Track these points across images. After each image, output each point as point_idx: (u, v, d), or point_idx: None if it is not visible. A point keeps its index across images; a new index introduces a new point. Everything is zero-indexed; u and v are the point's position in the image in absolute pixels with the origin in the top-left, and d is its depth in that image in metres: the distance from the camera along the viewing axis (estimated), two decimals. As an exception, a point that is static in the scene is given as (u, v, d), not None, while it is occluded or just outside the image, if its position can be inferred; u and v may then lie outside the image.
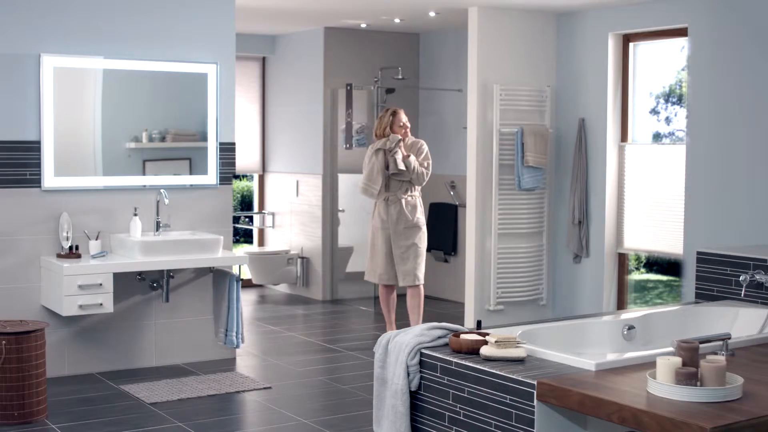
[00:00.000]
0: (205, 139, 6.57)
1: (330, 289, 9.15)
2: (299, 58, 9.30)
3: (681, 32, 6.99)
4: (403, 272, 6.93)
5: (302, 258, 9.30)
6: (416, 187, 6.94)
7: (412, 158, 6.86)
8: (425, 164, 6.92)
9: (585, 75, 7.62)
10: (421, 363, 4.04)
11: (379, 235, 7.02)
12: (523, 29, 7.71)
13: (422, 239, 6.96)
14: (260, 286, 9.75)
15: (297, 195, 9.39)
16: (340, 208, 9.11)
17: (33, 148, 5.98)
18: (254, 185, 10.13)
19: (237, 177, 11.48)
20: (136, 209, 6.22)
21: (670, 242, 7.15)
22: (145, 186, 6.37)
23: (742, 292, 5.08)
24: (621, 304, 7.55)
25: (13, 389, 5.05)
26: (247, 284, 9.56)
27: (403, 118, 6.95)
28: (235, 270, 6.58)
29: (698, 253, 5.48)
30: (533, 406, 3.52)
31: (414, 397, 4.08)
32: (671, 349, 3.65)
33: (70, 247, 5.96)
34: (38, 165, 5.99)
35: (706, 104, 6.69)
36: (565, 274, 7.85)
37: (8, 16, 5.88)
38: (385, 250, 6.99)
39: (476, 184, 7.53)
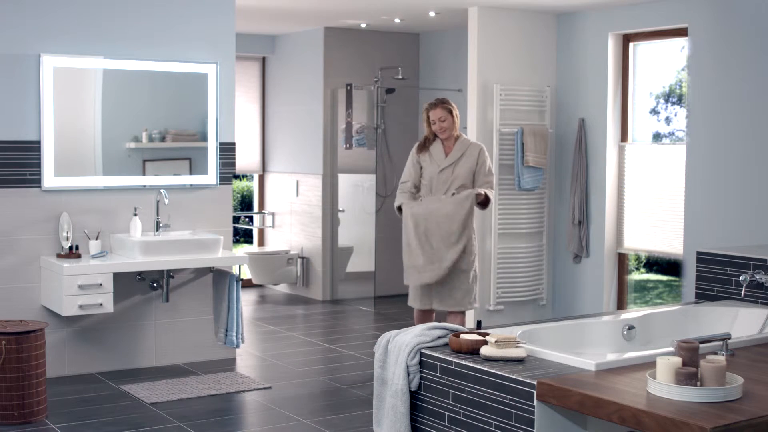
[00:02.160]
0: (205, 139, 6.57)
1: (330, 289, 9.15)
2: (299, 58, 9.31)
3: (681, 32, 6.99)
4: (441, 293, 5.79)
5: (302, 258, 9.30)
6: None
7: (487, 193, 5.74)
8: (490, 180, 5.87)
9: (585, 75, 7.62)
10: (421, 363, 4.04)
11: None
12: (523, 29, 7.71)
13: (469, 251, 5.79)
14: (260, 286, 9.75)
15: (297, 195, 9.39)
16: (340, 208, 9.11)
17: (33, 148, 5.98)
18: (254, 185, 10.14)
19: (237, 177, 11.48)
20: (136, 209, 6.22)
21: (670, 242, 7.15)
22: (145, 186, 6.37)
23: (742, 292, 5.08)
24: (621, 304, 7.55)
25: (13, 389, 5.05)
26: (247, 284, 9.56)
27: (438, 113, 5.81)
28: (235, 270, 6.58)
29: (698, 253, 5.48)
30: (533, 406, 3.52)
31: (414, 397, 4.08)
32: (671, 349, 3.65)
33: (70, 247, 5.96)
34: (38, 165, 5.99)
35: (706, 104, 6.69)
36: (565, 274, 7.85)
37: (8, 16, 5.88)
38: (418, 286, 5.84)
39: (476, 184, 7.52)
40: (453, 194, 5.78)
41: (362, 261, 9.09)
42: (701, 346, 3.59)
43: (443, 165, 5.85)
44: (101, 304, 5.77)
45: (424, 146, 5.97)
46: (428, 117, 5.90)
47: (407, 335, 4.12)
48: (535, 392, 3.51)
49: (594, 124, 7.55)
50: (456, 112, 5.92)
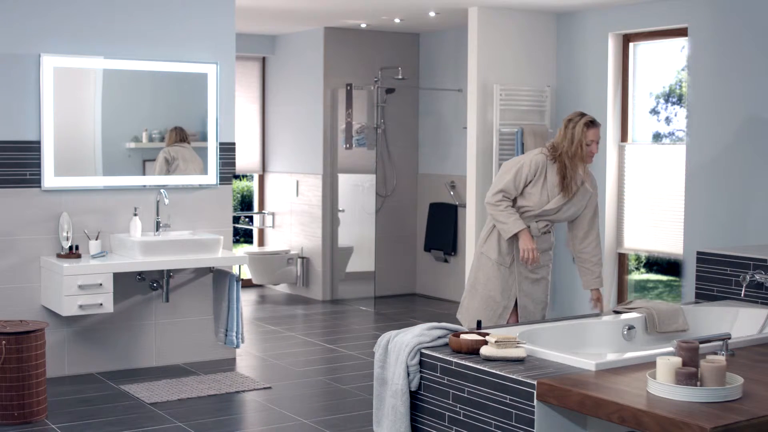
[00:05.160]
0: (205, 139, 6.57)
1: (330, 289, 9.15)
2: (299, 58, 9.31)
3: (681, 32, 6.99)
4: None
5: (302, 258, 9.30)
6: None
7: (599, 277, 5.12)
8: (596, 249, 5.16)
9: (585, 75, 7.62)
10: (421, 363, 4.04)
11: (493, 277, 5.17)
12: (523, 29, 7.71)
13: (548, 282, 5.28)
14: (260, 286, 9.75)
15: (297, 195, 9.39)
16: (340, 208, 9.11)
17: (33, 148, 5.98)
18: (254, 185, 10.14)
19: (237, 177, 11.48)
20: (136, 209, 6.22)
21: (670, 242, 7.15)
22: (145, 186, 6.37)
23: (742, 292, 5.07)
24: (621, 304, 7.54)
25: (13, 389, 5.04)
26: (247, 284, 9.56)
27: (598, 134, 4.97)
28: (235, 270, 6.58)
29: (698, 253, 5.47)
30: (533, 406, 3.52)
31: (414, 397, 4.08)
32: (671, 349, 3.65)
33: (70, 247, 5.96)
34: (38, 165, 5.99)
35: (706, 104, 6.69)
36: (565, 274, 7.84)
37: (8, 16, 5.88)
38: (497, 300, 5.16)
39: (476, 184, 7.53)
40: (545, 227, 5.13)
41: (362, 261, 9.09)
42: (701, 346, 3.59)
43: (554, 205, 5.04)
44: (101, 304, 5.77)
45: (567, 177, 5.01)
46: (582, 133, 4.93)
47: (407, 335, 4.12)
48: (535, 392, 3.50)
49: (594, 124, 7.53)
50: None
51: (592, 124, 4.94)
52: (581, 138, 4.93)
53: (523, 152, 7.44)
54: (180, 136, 6.46)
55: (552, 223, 5.15)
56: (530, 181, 5.04)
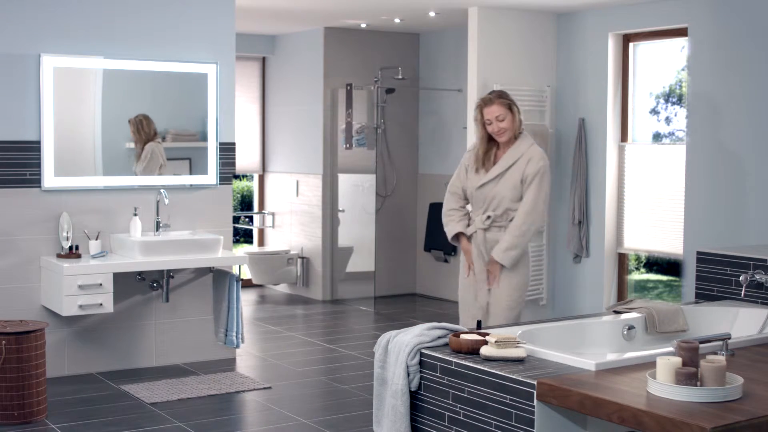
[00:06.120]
0: (205, 139, 6.57)
1: (330, 289, 9.15)
2: (299, 58, 9.31)
3: (681, 32, 6.99)
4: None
5: (302, 258, 9.30)
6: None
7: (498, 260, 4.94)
8: (540, 206, 4.94)
9: (585, 75, 7.62)
10: (421, 363, 4.04)
11: (462, 279, 5.29)
12: (523, 29, 7.71)
13: (515, 287, 5.02)
14: (260, 286, 9.75)
15: (297, 195, 9.39)
16: (340, 208, 9.11)
17: (33, 148, 5.98)
18: (254, 185, 10.14)
19: (237, 177, 11.48)
20: (136, 209, 6.22)
21: (670, 242, 7.15)
22: (145, 186, 6.37)
23: (742, 292, 5.07)
24: (621, 304, 7.54)
25: (13, 389, 5.05)
26: (247, 284, 9.56)
27: (494, 111, 4.91)
28: (235, 270, 6.58)
29: (698, 253, 5.47)
30: (533, 406, 3.52)
31: (414, 397, 4.08)
32: (671, 349, 3.65)
33: (70, 247, 5.96)
34: (38, 165, 5.99)
35: (706, 104, 6.69)
36: (565, 274, 7.85)
37: (8, 16, 5.88)
38: (467, 301, 5.23)
39: (476, 184, 7.52)
40: (488, 221, 5.03)
41: (362, 261, 9.09)
42: (701, 346, 3.59)
43: (481, 181, 5.03)
44: (101, 304, 5.77)
45: (485, 155, 5.02)
46: (482, 115, 4.97)
47: (407, 335, 4.12)
48: (535, 392, 3.50)
49: (594, 124, 7.54)
50: (517, 107, 4.96)
51: (486, 101, 4.97)
52: (480, 119, 5.01)
53: (523, 152, 7.45)
54: (153, 129, 6.37)
55: (495, 212, 5.02)
56: (469, 167, 5.16)
